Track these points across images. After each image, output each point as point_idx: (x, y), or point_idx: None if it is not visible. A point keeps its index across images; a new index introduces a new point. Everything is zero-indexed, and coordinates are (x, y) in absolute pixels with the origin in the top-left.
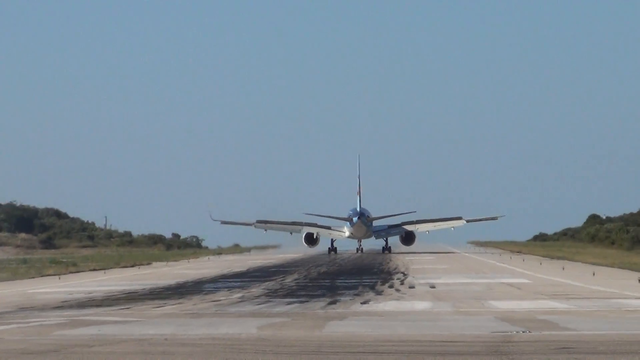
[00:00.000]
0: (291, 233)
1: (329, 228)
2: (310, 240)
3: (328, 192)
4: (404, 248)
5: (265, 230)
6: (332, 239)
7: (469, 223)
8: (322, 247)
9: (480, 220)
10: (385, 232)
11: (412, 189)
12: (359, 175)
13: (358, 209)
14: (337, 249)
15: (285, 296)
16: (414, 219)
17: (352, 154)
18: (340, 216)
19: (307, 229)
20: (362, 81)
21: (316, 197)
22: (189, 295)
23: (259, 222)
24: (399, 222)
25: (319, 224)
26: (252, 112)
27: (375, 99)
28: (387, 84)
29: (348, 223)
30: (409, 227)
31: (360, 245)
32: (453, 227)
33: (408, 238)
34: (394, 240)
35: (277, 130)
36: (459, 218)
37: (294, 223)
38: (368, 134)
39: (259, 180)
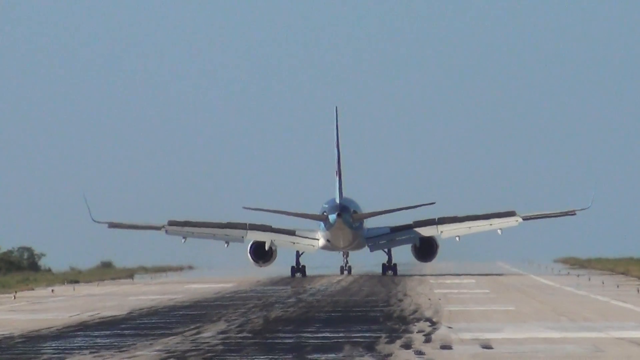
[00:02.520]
0: (227, 243)
1: (291, 233)
2: (261, 253)
3: (286, 176)
4: (420, 266)
5: (184, 238)
6: (297, 252)
7: (527, 221)
8: (281, 264)
9: (546, 216)
10: (387, 239)
11: (425, 170)
12: (338, 144)
13: (338, 201)
14: (306, 268)
15: None
16: (434, 216)
17: (326, 108)
18: (308, 212)
19: (254, 235)
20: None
21: (265, 183)
22: None
23: (172, 223)
24: (409, 223)
25: (274, 227)
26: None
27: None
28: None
29: (322, 224)
30: (426, 230)
31: (347, 261)
32: (501, 228)
33: (426, 248)
34: (402, 252)
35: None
36: (512, 213)
37: (230, 225)
38: (348, 81)
39: (167, 162)
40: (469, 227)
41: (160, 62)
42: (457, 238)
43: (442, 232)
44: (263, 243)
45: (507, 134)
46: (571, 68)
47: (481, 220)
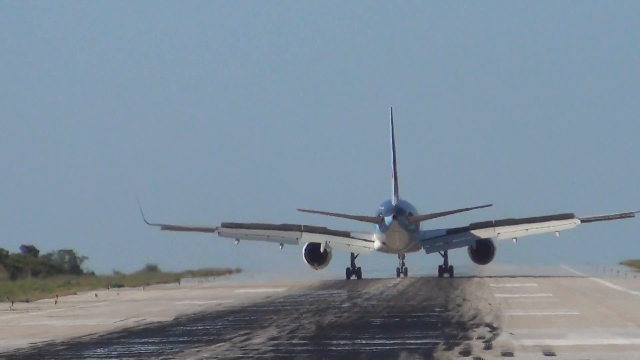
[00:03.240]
0: (281, 245)
1: (346, 235)
2: (316, 255)
3: (341, 178)
4: (477, 269)
5: (237, 240)
6: (352, 254)
7: (585, 224)
8: (337, 266)
9: (604, 218)
10: (443, 241)
11: (482, 173)
12: (394, 145)
13: (394, 203)
14: (362, 270)
15: None
16: (491, 218)
17: (383, 109)
18: (363, 215)
19: (309, 237)
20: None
21: (320, 185)
22: None
23: (225, 225)
24: (465, 225)
25: (329, 228)
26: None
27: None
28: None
29: (377, 226)
30: (483, 233)
31: (403, 263)
32: (558, 231)
33: (483, 250)
34: (458, 255)
35: (250, 85)
36: (570, 216)
37: (285, 227)
38: (405, 80)
39: (220, 164)
40: (526, 230)
41: (218, 63)
42: (514, 240)
43: (499, 234)
44: (318, 245)
45: (565, 136)
46: (619, 66)
47: (538, 223)
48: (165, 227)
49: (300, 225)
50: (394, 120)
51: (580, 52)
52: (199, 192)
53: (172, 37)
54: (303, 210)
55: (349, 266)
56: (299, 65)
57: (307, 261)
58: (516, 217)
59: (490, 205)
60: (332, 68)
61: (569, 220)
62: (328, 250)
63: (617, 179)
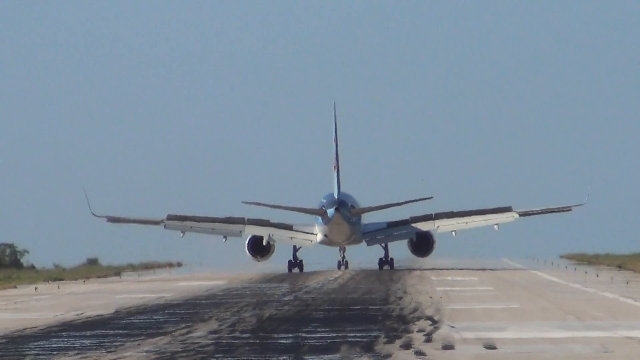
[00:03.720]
0: (225, 237)
1: (289, 228)
2: (258, 248)
3: (284, 171)
4: (417, 261)
5: (183, 232)
6: (294, 247)
7: (523, 218)
8: (279, 259)
9: (542, 212)
10: (383, 233)
11: (422, 166)
12: (336, 138)
13: (336, 195)
14: (304, 262)
15: None
16: (431, 211)
17: (325, 103)
18: (306, 207)
19: (252, 230)
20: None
21: (263, 179)
22: None
23: (171, 217)
24: (405, 218)
25: (272, 221)
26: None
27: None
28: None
29: (319, 218)
30: (423, 226)
31: (344, 256)
32: (497, 224)
33: (423, 243)
34: (398, 248)
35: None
36: (508, 209)
37: (229, 219)
38: (345, 77)
39: (163, 157)
40: (466, 222)
41: (159, 58)
42: (453, 233)
43: (438, 226)
44: (261, 238)
45: (504, 130)
46: (566, 65)
47: (477, 216)
48: (112, 219)
49: (244, 218)
50: (336, 114)
51: (519, 48)
52: (144, 185)
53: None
54: (247, 203)
55: (292, 258)
56: (246, 59)
57: (250, 253)
58: (456, 210)
59: (431, 197)
60: (277, 61)
61: (508, 214)
62: (271, 243)
63: (555, 174)
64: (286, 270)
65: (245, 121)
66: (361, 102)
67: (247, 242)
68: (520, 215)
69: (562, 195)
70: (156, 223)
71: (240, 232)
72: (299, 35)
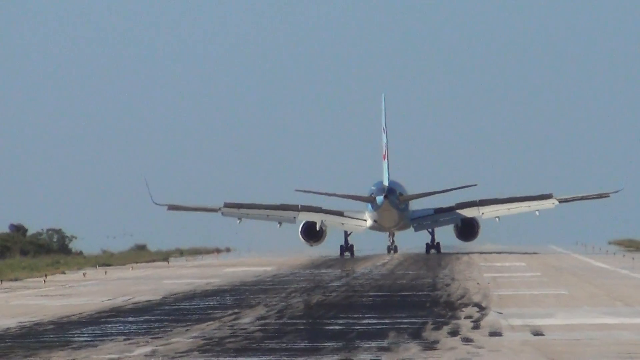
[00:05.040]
0: (279, 223)
1: (340, 214)
2: (312, 233)
3: (336, 160)
4: (462, 245)
5: (239, 219)
6: (345, 232)
7: (563, 204)
8: (332, 244)
9: (581, 198)
10: (430, 219)
11: (467, 155)
12: (385, 128)
13: (385, 183)
14: (354, 247)
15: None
16: (476, 198)
17: (374, 96)
18: (356, 194)
19: (305, 216)
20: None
21: (315, 167)
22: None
23: (228, 205)
24: (451, 205)
25: (324, 208)
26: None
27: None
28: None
29: (369, 205)
30: (468, 212)
31: (393, 241)
32: (538, 210)
33: (468, 229)
34: (444, 233)
35: (248, 68)
36: (549, 196)
37: (283, 206)
38: (395, 67)
39: (219, 147)
40: (508, 209)
41: (219, 52)
42: (497, 219)
43: (482, 213)
44: (314, 224)
45: (543, 120)
46: (603, 49)
47: (519, 202)
48: (172, 207)
49: (298, 205)
50: (385, 106)
51: (558, 40)
52: (202, 174)
53: (176, 31)
54: (300, 191)
55: (343, 243)
56: (297, 53)
57: (304, 239)
58: (499, 197)
59: (475, 185)
60: (328, 58)
61: (548, 200)
62: (323, 228)
63: (593, 161)
64: (338, 254)
65: (300, 113)
66: (410, 93)
67: (300, 227)
68: (560, 202)
69: (600, 182)
70: (214, 210)
71: (294, 218)
72: (352, 29)
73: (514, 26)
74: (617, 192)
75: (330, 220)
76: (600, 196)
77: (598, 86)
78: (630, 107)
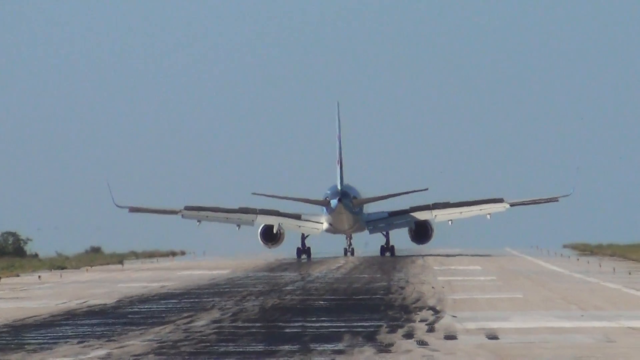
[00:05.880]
0: (238, 226)
1: (297, 217)
2: (270, 236)
3: (293, 166)
4: (417, 248)
5: (199, 221)
6: (302, 234)
7: (514, 207)
8: (289, 246)
9: (531, 202)
10: (385, 222)
11: (418, 159)
12: (339, 135)
13: (339, 187)
14: (311, 250)
15: None
16: (429, 202)
17: (328, 104)
18: (311, 198)
19: (263, 219)
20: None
21: (271, 172)
22: None
23: (188, 208)
24: (405, 208)
25: (282, 211)
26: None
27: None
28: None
29: (324, 209)
30: (421, 215)
31: (350, 243)
32: (489, 214)
33: (421, 231)
34: (398, 236)
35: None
36: (500, 200)
37: (242, 210)
38: (348, 77)
39: (179, 152)
40: (461, 212)
41: (171, 56)
42: (449, 222)
43: (436, 216)
44: (272, 226)
45: (495, 125)
46: (553, 58)
47: (472, 206)
48: (133, 209)
49: (256, 209)
50: (340, 113)
51: (512, 47)
52: (162, 178)
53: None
54: (257, 194)
55: (300, 245)
56: (258, 59)
57: (262, 241)
58: (451, 201)
59: (427, 189)
60: (285, 62)
61: (499, 204)
62: (281, 231)
63: (543, 166)
64: (295, 257)
65: (256, 119)
66: (362, 100)
67: (259, 230)
68: (511, 206)
69: (550, 186)
70: (174, 213)
71: (253, 221)
72: (306, 35)
73: (469, 30)
74: (565, 196)
75: (287, 223)
76: (549, 200)
77: (545, 92)
78: (578, 112)
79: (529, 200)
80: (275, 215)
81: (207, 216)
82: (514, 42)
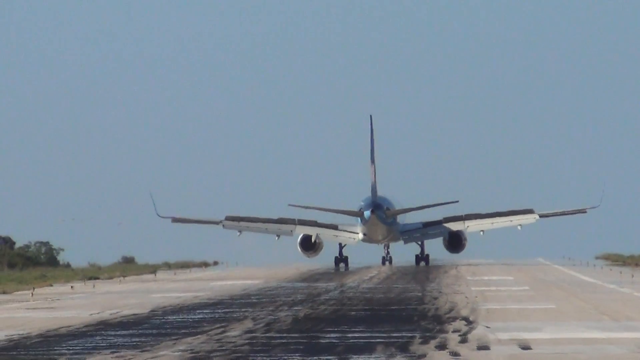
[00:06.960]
0: (278, 236)
1: (334, 228)
2: (308, 245)
3: (329, 177)
4: (450, 257)
5: (239, 232)
6: (340, 244)
7: (543, 219)
8: (328, 255)
9: (560, 214)
10: (419, 232)
11: (449, 171)
12: (373, 148)
13: (372, 198)
14: (349, 258)
15: None
16: (461, 212)
17: (362, 117)
18: (347, 209)
19: (302, 229)
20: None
21: (308, 184)
22: None
23: (229, 218)
24: (439, 219)
25: (319, 222)
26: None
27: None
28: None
29: (359, 219)
30: (454, 225)
31: (388, 252)
32: (520, 224)
33: (454, 241)
34: (433, 245)
35: (246, 90)
36: (530, 211)
37: (281, 220)
38: (382, 90)
39: (220, 162)
40: (492, 223)
41: (216, 70)
42: (481, 232)
43: (468, 226)
44: (309, 236)
45: (525, 138)
46: (583, 66)
47: (502, 217)
48: (176, 220)
49: (295, 219)
50: (373, 126)
51: (534, 55)
52: (204, 189)
53: (176, 35)
54: (294, 206)
55: (337, 254)
56: (295, 75)
57: (301, 250)
58: (483, 212)
59: (457, 201)
60: (325, 79)
61: (529, 215)
62: (318, 241)
63: (572, 178)
64: (332, 266)
65: (296, 134)
66: (396, 113)
67: (298, 240)
68: (540, 217)
69: (578, 198)
70: (216, 223)
71: (291, 231)
72: (341, 48)
73: (503, 47)
74: (593, 208)
75: (324, 233)
76: (578, 211)
77: (573, 105)
78: (606, 125)
79: (558, 212)
80: (313, 225)
81: (247, 226)
82: (550, 56)
